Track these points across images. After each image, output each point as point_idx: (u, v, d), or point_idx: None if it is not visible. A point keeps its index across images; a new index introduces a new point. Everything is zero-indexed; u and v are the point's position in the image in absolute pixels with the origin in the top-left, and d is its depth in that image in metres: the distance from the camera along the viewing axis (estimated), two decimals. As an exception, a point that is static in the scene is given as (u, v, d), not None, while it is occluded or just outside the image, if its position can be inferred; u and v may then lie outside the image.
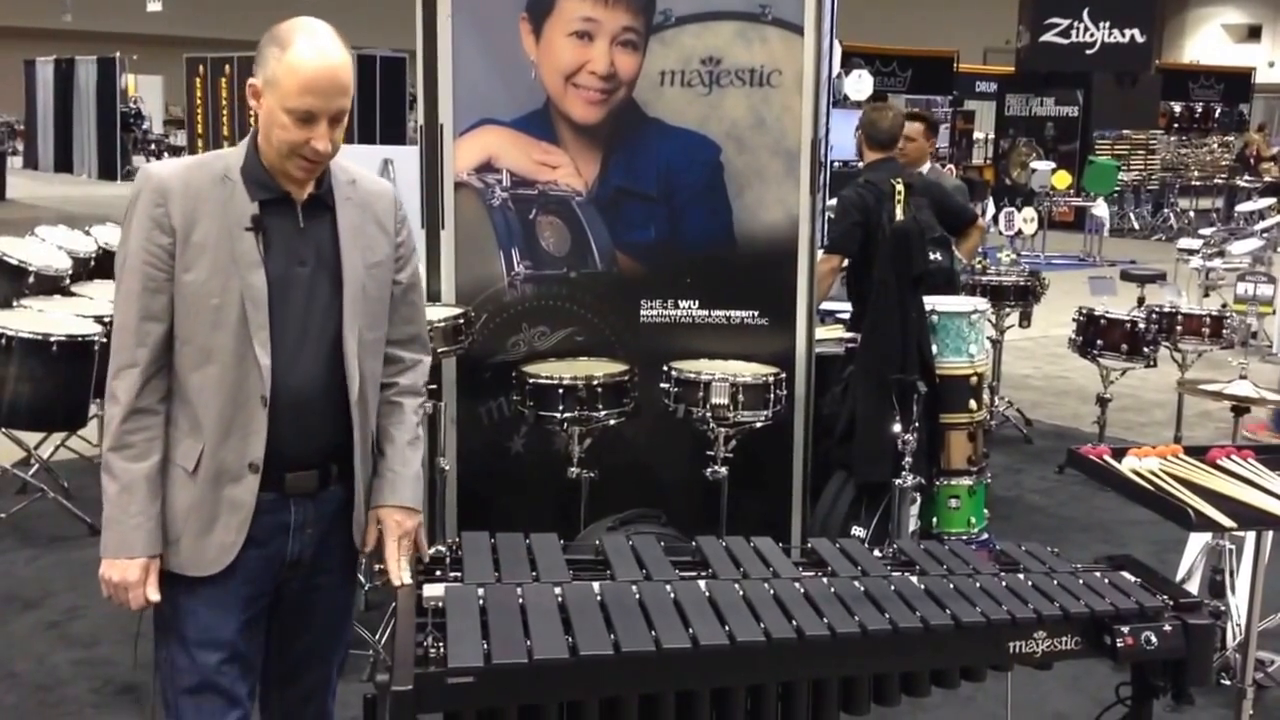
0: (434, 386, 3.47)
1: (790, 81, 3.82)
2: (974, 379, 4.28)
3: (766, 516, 3.83)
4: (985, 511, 4.39)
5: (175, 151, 21.59)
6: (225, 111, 18.92)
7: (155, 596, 2.00)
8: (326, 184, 2.05)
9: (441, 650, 1.77)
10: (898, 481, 3.85)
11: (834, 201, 4.85)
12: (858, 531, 3.92)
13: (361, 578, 3.76)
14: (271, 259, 1.98)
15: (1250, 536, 3.19)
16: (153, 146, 22.04)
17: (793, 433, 3.93)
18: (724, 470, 3.63)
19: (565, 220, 3.86)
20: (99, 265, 5.19)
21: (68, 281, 4.91)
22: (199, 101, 19.50)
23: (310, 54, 1.91)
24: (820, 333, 4.27)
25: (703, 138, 3.84)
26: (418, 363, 2.21)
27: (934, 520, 4.22)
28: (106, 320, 4.41)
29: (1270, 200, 13.64)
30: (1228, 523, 2.28)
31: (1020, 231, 8.15)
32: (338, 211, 2.05)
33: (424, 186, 3.83)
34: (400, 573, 2.04)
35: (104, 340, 4.29)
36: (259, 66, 1.95)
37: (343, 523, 2.12)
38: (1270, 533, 2.65)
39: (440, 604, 1.90)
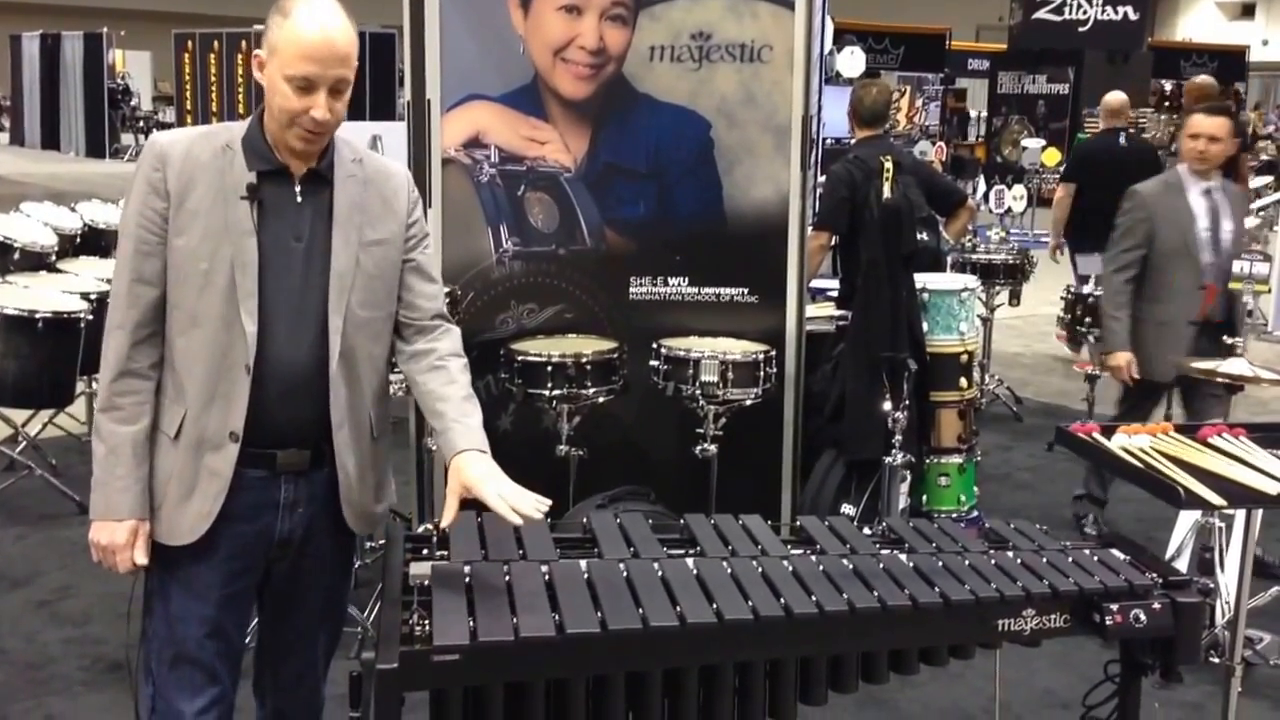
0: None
1: (781, 57, 3.78)
2: (964, 357, 4.27)
3: (756, 494, 3.82)
4: (975, 489, 4.39)
5: (164, 129, 21.38)
6: (214, 88, 18.77)
7: (143, 560, 2.01)
8: (329, 159, 2.04)
9: (427, 628, 1.76)
10: (888, 459, 3.85)
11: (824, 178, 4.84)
12: (848, 509, 3.92)
13: (354, 556, 3.75)
14: (265, 230, 1.98)
15: (1240, 514, 3.20)
16: (141, 123, 21.84)
17: (783, 411, 3.92)
18: (713, 448, 3.62)
19: (554, 196, 3.83)
20: (85, 242, 5.15)
21: (54, 258, 4.87)
22: (187, 78, 19.34)
23: (310, 22, 1.92)
24: (811, 310, 4.25)
25: (692, 113, 3.80)
26: (449, 329, 2.19)
27: (924, 498, 4.22)
28: (93, 297, 4.38)
29: (1267, 179, 13.62)
30: (1218, 501, 2.27)
31: (1010, 209, 8.14)
32: (336, 187, 2.04)
33: (411, 162, 3.79)
34: (520, 511, 1.89)
35: (90, 317, 4.26)
36: (264, 37, 1.97)
37: (335, 503, 2.10)
38: (1260, 511, 2.65)
39: (426, 582, 1.89)
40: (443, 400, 2.09)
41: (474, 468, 1.98)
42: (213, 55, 18.57)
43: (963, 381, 4.26)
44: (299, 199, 2.01)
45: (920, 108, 18.12)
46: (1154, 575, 2.10)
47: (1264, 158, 16.46)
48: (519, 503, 1.91)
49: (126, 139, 21.47)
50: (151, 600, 2.07)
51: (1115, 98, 7.10)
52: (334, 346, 2.02)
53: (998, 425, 6.20)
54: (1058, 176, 7.92)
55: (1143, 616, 2.01)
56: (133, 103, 22.14)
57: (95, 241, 5.17)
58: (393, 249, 2.10)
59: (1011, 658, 3.17)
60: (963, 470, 4.28)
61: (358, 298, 2.04)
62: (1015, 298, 6.87)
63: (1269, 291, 8.01)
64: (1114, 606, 2.01)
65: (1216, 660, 3.36)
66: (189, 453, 1.99)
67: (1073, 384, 6.82)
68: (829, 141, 8.04)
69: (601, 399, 3.60)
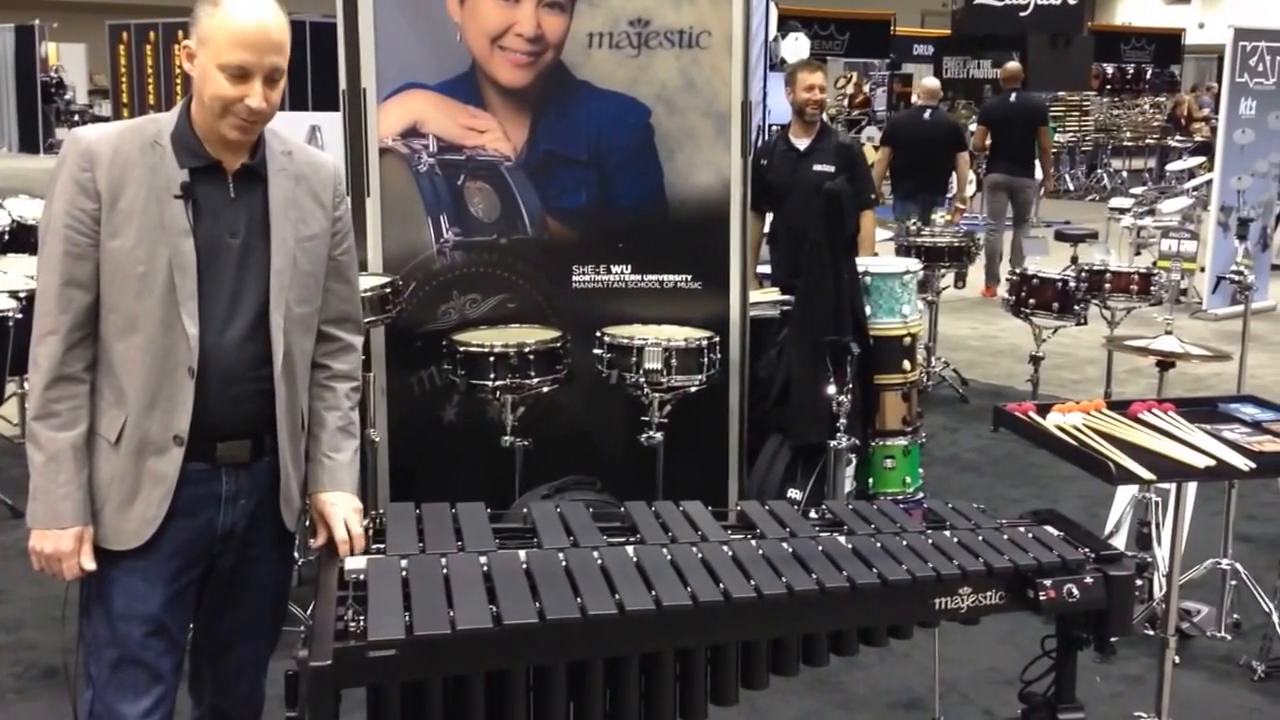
0: (364, 357, 3.41)
1: (720, 42, 3.78)
2: (907, 339, 4.30)
3: (703, 481, 3.82)
4: (920, 471, 4.43)
5: (100, 122, 20.94)
6: (150, 81, 18.38)
7: (90, 565, 1.97)
8: (260, 154, 2.00)
9: (362, 623, 1.74)
10: (833, 443, 3.87)
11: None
12: (794, 494, 3.93)
13: (295, 553, 3.70)
14: (201, 228, 1.94)
15: (1172, 488, 3.25)
16: (76, 117, 21.35)
17: (728, 397, 3.93)
18: (659, 436, 3.61)
19: (494, 186, 3.80)
20: (13, 239, 5.04)
21: (-20, 256, 4.75)
22: (123, 70, 18.92)
23: (243, 10, 1.88)
24: (755, 295, 4.26)
25: (632, 100, 3.79)
26: (351, 347, 2.18)
27: (870, 481, 4.25)
28: (21, 295, 4.27)
29: (1200, 159, 13.88)
30: (1147, 475, 2.31)
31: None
32: (270, 182, 2.00)
33: (348, 152, 3.74)
34: (353, 543, 2.02)
35: (18, 316, 4.15)
36: (192, 27, 1.92)
37: (276, 494, 2.08)
38: (1192, 484, 2.70)
39: (361, 576, 1.87)
40: (320, 426, 2.13)
41: (324, 506, 2.08)
42: (149, 47, 18.17)
43: (906, 364, 4.29)
44: (233, 195, 1.98)
45: (868, 93, 18.24)
46: (1087, 550, 2.13)
47: (1198, 139, 16.77)
48: (356, 533, 2.02)
49: (61, 133, 20.99)
50: (90, 603, 2.02)
51: (931, 82, 8.80)
52: (277, 345, 1.99)
53: (944, 407, 6.27)
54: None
55: (1075, 591, 2.03)
56: (67, 96, 21.65)
57: (24, 239, 5.06)
58: (322, 244, 2.08)
59: (956, 637, 3.21)
60: (908, 453, 4.31)
61: (294, 294, 2.02)
62: (960, 280, 6.94)
63: (1201, 270, 8.17)
64: (1047, 582, 2.03)
65: (1151, 633, 3.43)
66: (131, 457, 1.95)
67: (1019, 366, 6.91)
68: (775, 128, 8.07)
69: (546, 389, 3.58)
